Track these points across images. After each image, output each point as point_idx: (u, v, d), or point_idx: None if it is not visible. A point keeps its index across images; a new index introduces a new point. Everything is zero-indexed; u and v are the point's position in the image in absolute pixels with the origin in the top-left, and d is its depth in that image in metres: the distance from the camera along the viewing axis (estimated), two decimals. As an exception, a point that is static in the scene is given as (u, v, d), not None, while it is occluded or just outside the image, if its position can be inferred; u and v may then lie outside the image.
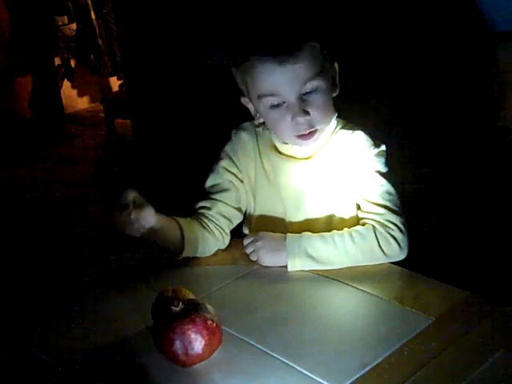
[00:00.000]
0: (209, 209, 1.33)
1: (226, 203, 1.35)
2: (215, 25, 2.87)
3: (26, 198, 3.60)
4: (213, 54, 2.80)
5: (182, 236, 1.25)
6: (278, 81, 1.20)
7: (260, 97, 1.24)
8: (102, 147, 4.43)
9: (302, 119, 1.22)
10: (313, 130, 1.25)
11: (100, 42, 4.72)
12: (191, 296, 1.06)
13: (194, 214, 1.33)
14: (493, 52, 1.90)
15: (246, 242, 1.29)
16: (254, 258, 1.27)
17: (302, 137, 1.26)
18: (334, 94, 1.30)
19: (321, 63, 1.22)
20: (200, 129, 2.97)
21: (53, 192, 3.64)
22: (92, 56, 4.78)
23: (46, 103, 4.65)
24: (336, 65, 1.29)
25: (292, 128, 1.24)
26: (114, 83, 5.11)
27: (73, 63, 4.96)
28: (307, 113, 1.22)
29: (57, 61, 4.81)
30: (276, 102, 1.22)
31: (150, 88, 3.43)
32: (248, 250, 1.28)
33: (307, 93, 1.22)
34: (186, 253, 1.27)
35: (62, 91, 4.86)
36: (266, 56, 1.19)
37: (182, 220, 1.27)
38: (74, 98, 5.11)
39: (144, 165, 3.60)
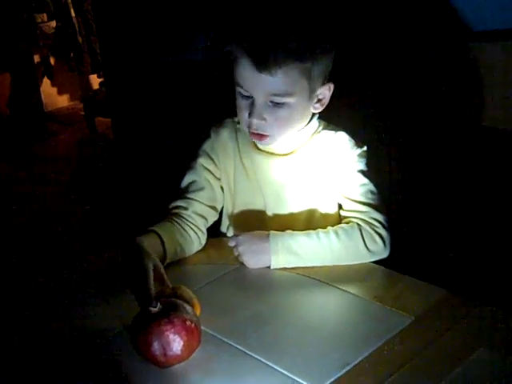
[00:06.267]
0: (185, 209, 1.32)
1: (202, 202, 1.35)
2: (195, 21, 2.85)
3: (5, 196, 3.57)
4: (192, 50, 2.79)
5: (164, 250, 1.23)
6: (251, 82, 1.22)
7: (235, 83, 1.26)
8: (82, 146, 4.40)
9: (255, 121, 1.24)
10: (263, 133, 1.27)
11: (80, 39, 4.69)
12: (191, 294, 1.07)
13: (170, 215, 1.32)
14: (472, 51, 1.91)
15: (231, 244, 1.28)
16: (240, 260, 1.27)
17: (252, 134, 1.28)
18: (316, 111, 1.31)
19: (299, 85, 1.22)
20: (181, 126, 2.96)
21: (33, 191, 3.61)
22: (72, 54, 4.75)
23: (26, 101, 4.61)
24: (330, 85, 1.28)
25: (246, 122, 1.27)
26: (95, 81, 5.08)
27: (52, 61, 4.92)
28: (264, 119, 1.24)
29: (36, 58, 4.76)
30: (245, 94, 1.24)
31: (130, 86, 3.41)
32: (235, 253, 1.27)
33: (274, 102, 1.23)
34: (167, 262, 1.25)
35: (41, 89, 4.81)
36: (248, 56, 1.19)
37: (162, 232, 1.24)
38: (53, 96, 5.07)
39: (125, 163, 3.57)
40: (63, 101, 5.16)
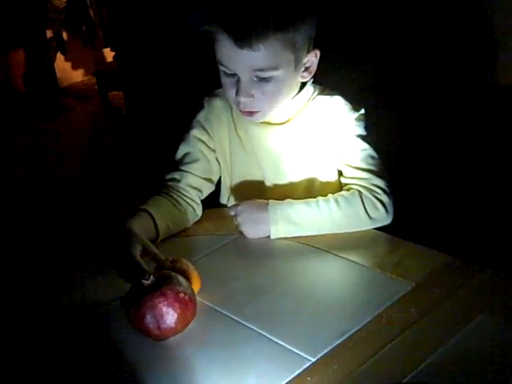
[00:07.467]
0: (178, 181, 1.31)
1: (196, 174, 1.32)
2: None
3: (20, 170, 3.59)
4: (194, 20, 2.76)
5: (156, 228, 1.22)
6: (233, 59, 1.18)
7: (218, 62, 1.23)
8: (97, 120, 4.41)
9: (243, 99, 1.21)
10: (253, 110, 1.24)
11: (91, 12, 4.66)
12: (190, 266, 1.06)
13: (164, 187, 1.30)
14: (486, 5, 1.86)
15: (231, 213, 1.27)
16: (240, 230, 1.25)
17: (241, 111, 1.25)
18: (304, 80, 1.27)
19: (283, 57, 1.18)
20: (193, 97, 2.94)
21: (47, 165, 3.63)
22: (84, 27, 4.72)
23: (41, 77, 4.61)
24: (316, 52, 1.25)
25: (234, 100, 1.24)
26: (109, 54, 5.05)
27: (65, 36, 4.90)
28: (251, 95, 1.21)
29: (48, 34, 4.75)
30: (229, 72, 1.21)
31: (141, 59, 3.39)
32: (235, 223, 1.26)
33: (260, 78, 1.19)
34: (160, 239, 1.24)
35: (55, 64, 4.81)
36: (226, 33, 1.16)
37: (153, 210, 1.22)
38: (68, 71, 5.05)
39: (138, 136, 3.57)
40: (78, 76, 5.14)
